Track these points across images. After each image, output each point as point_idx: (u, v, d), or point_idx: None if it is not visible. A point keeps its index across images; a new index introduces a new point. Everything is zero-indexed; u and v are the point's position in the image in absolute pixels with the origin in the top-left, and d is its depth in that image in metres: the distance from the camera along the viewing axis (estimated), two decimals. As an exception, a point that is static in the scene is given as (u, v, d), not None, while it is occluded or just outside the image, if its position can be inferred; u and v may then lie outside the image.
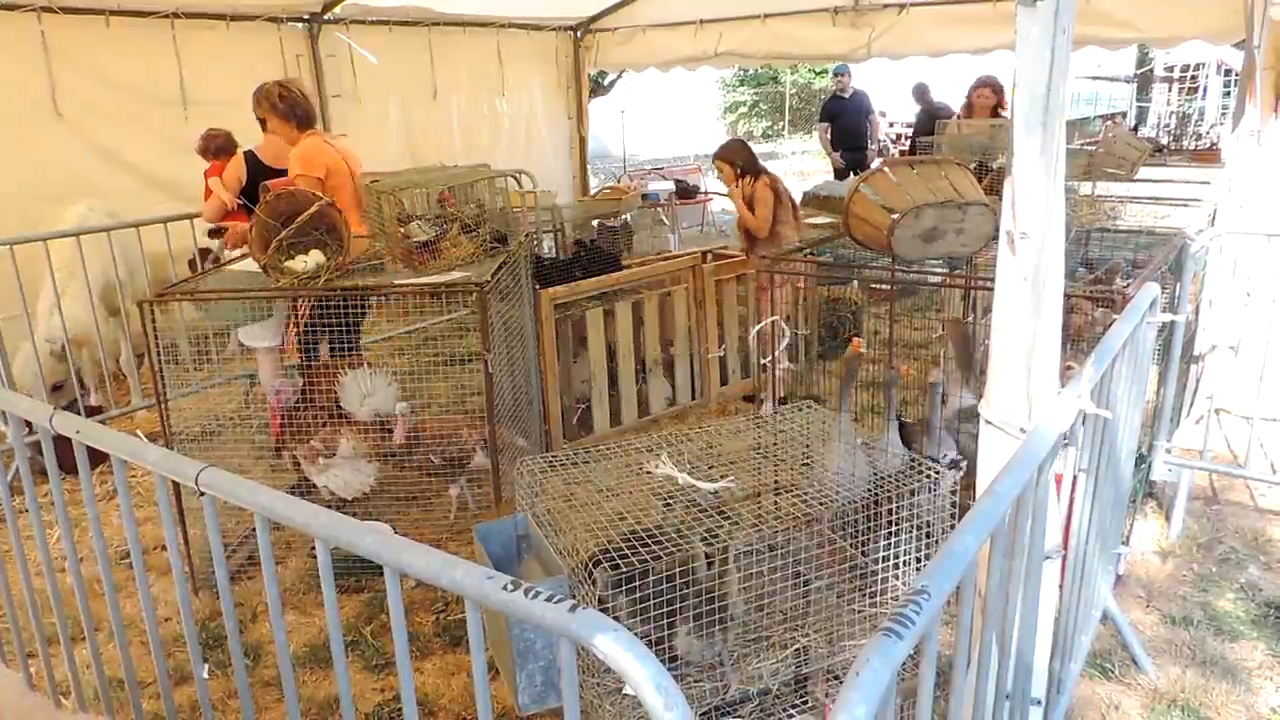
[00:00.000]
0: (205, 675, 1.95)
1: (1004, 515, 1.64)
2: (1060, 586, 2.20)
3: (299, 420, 3.68)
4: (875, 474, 2.48)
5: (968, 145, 5.56)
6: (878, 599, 2.36)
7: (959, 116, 6.83)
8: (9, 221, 5.19)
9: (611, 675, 1.91)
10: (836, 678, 2.32)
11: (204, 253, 5.82)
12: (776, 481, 2.59)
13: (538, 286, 4.77)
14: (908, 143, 11.55)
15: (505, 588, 1.34)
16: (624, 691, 1.17)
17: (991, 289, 2.14)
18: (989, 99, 6.50)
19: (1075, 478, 2.24)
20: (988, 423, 2.09)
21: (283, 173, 4.59)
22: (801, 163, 19.02)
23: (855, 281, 6.15)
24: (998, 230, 2.10)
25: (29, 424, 2.18)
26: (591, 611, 1.24)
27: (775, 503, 2.32)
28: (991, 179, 4.87)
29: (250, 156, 4.65)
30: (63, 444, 2.10)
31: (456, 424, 3.77)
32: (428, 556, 1.44)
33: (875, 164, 6.92)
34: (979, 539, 1.53)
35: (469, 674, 1.48)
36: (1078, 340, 4.25)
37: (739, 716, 2.23)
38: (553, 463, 2.56)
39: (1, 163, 5.62)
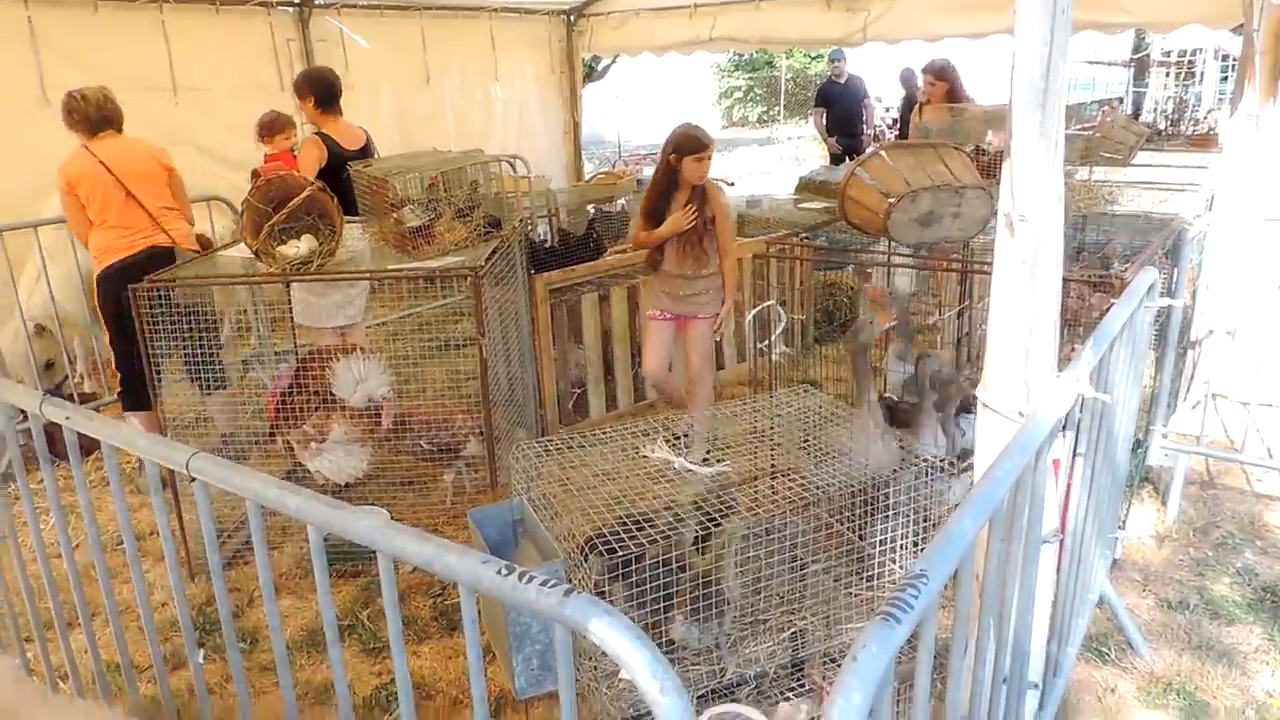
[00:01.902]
0: (201, 660, 1.95)
1: (1002, 499, 1.63)
2: (1057, 570, 2.20)
3: (292, 405, 3.66)
4: (881, 460, 2.47)
5: (928, 134, 5.49)
6: (874, 582, 2.36)
7: (920, 106, 6.61)
8: (-2, 209, 5.15)
9: (608, 659, 1.89)
10: (833, 661, 2.32)
11: (198, 239, 5.78)
12: (773, 465, 2.59)
13: (532, 271, 4.75)
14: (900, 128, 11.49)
15: (499, 572, 1.32)
16: (620, 676, 1.16)
17: (988, 273, 2.13)
18: (937, 87, 6.25)
19: (1073, 462, 2.23)
20: (985, 406, 2.08)
21: (357, 154, 4.66)
22: (797, 148, 18.95)
23: (851, 266, 6.14)
24: (995, 214, 2.09)
25: (21, 411, 2.17)
26: (585, 596, 1.23)
27: (771, 487, 2.31)
28: (988, 162, 4.85)
29: (326, 139, 4.64)
30: (55, 431, 2.08)
31: (450, 410, 3.76)
32: (421, 542, 1.43)
33: (871, 149, 6.87)
34: (977, 523, 1.53)
35: (466, 657, 1.47)
36: (1073, 325, 4.24)
37: (735, 699, 2.23)
38: (548, 447, 2.55)
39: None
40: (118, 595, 2.20)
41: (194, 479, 1.78)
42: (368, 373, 3.72)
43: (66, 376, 5.08)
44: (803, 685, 2.27)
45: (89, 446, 2.08)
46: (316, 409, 3.70)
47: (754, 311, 4.32)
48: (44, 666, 2.51)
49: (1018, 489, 1.73)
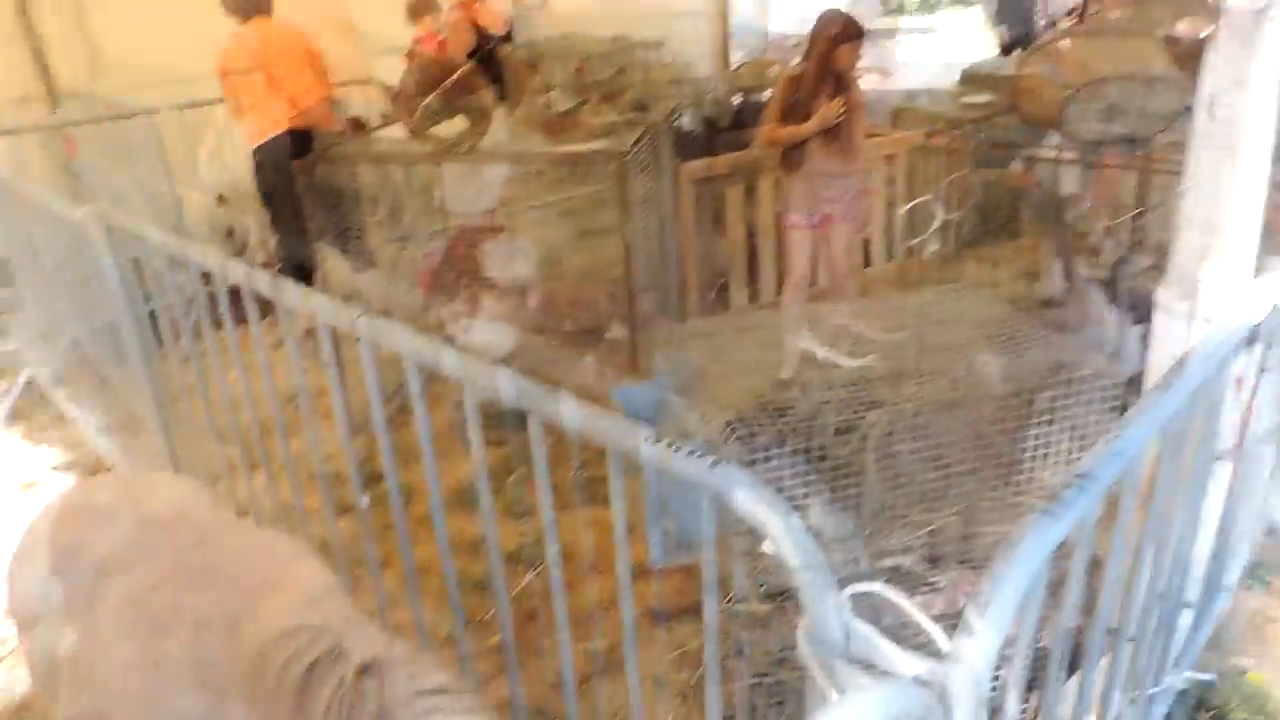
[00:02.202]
0: (365, 505, 2.12)
1: (1177, 409, 1.53)
2: (1228, 491, 2.06)
3: (444, 281, 3.82)
4: (1046, 365, 2.35)
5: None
6: (1021, 489, 2.28)
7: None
8: (176, 86, 5.46)
9: (743, 538, 1.95)
10: (970, 564, 2.29)
11: (354, 121, 5.98)
12: (921, 364, 2.51)
13: (678, 160, 4.68)
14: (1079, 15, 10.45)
15: (648, 440, 1.36)
16: (761, 549, 1.18)
17: (1173, 173, 1.95)
18: None
19: (1259, 377, 2.06)
20: (1165, 311, 1.93)
21: (502, 38, 4.97)
22: (960, 38, 17.61)
23: (1014, 162, 5.74)
24: (1187, 109, 1.90)
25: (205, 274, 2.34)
26: (733, 466, 1.25)
27: (918, 384, 2.25)
28: (1180, 53, 4.37)
29: (473, 21, 4.92)
30: (234, 293, 2.25)
31: (593, 292, 3.83)
32: (572, 405, 1.48)
33: (1047, 35, 6.26)
34: (1147, 431, 1.44)
35: (605, 527, 1.54)
36: (1268, 235, 3.85)
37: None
38: (690, 334, 2.56)
39: (170, 30, 5.87)
40: (290, 445, 2.40)
41: (359, 338, 1.89)
42: (515, 253, 3.81)
43: (245, 245, 5.47)
44: (937, 583, 2.25)
45: (265, 310, 2.24)
46: (467, 285, 3.84)
47: (907, 207, 4.14)
48: (231, 503, 2.79)
49: (1195, 399, 1.62)
